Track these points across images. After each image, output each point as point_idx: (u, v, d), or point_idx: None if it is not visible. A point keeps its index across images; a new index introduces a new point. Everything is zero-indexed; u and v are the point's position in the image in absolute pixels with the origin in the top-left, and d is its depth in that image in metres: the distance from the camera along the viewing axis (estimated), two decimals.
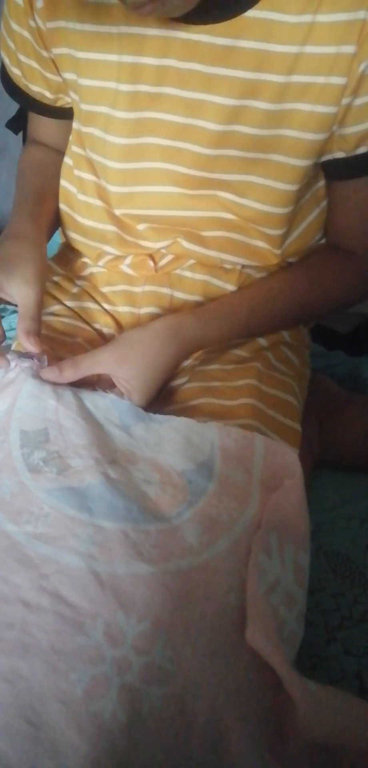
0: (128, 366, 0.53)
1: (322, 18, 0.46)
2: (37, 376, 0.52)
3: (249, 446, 0.49)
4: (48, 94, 0.59)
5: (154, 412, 0.54)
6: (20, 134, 0.91)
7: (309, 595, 0.53)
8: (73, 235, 0.64)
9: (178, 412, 0.55)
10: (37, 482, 0.43)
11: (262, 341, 0.63)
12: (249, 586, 0.41)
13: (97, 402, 0.53)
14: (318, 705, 0.39)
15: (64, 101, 0.60)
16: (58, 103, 0.61)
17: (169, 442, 0.49)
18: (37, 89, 0.59)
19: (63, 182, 0.63)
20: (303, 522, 0.46)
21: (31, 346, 0.52)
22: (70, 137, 0.61)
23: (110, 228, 0.60)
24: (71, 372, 0.53)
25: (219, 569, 0.42)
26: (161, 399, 0.61)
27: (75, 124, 0.59)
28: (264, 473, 0.48)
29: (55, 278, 0.68)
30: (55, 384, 0.53)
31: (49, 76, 0.57)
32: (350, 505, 0.63)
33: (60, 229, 0.68)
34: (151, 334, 0.54)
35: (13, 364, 0.53)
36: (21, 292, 0.53)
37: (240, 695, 0.39)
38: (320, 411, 0.70)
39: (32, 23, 0.54)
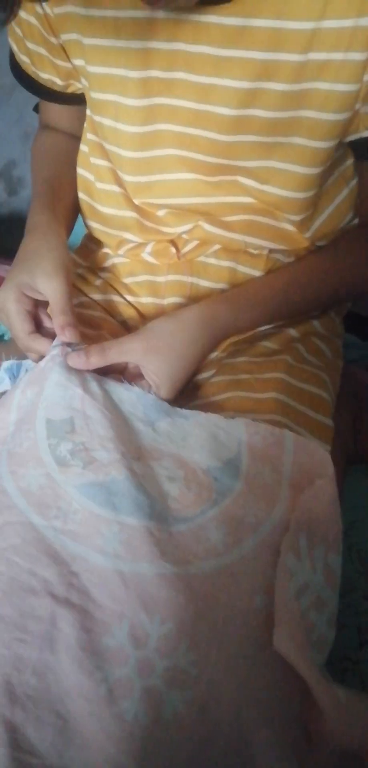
0: (156, 357, 0.52)
1: None
2: (64, 364, 0.52)
3: (278, 444, 0.48)
4: (58, 81, 0.59)
5: (180, 406, 0.53)
6: None
7: (341, 597, 0.52)
8: (93, 224, 0.64)
9: (205, 407, 0.54)
10: (66, 476, 0.43)
11: (293, 332, 0.61)
12: (277, 589, 0.40)
13: (122, 395, 0.52)
14: (347, 713, 0.37)
15: (75, 87, 0.60)
16: (69, 90, 0.60)
17: (195, 438, 0.48)
18: (46, 76, 0.59)
19: (80, 170, 0.62)
20: (334, 523, 0.44)
21: (68, 338, 0.52)
22: (85, 124, 0.60)
23: (129, 214, 0.59)
24: (98, 358, 0.52)
25: (245, 571, 0.41)
26: (188, 392, 0.59)
27: (88, 111, 0.59)
28: (294, 472, 0.47)
29: (79, 270, 0.68)
30: (81, 372, 0.52)
31: (59, 62, 0.57)
32: None
33: (82, 219, 0.67)
34: (180, 325, 0.53)
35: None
36: (45, 287, 0.53)
37: (266, 701, 0.38)
38: (354, 404, 0.68)
39: (40, 10, 0.53)
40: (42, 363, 0.52)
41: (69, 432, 0.46)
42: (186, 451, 0.47)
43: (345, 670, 0.49)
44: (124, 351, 0.53)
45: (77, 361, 0.52)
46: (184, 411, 0.51)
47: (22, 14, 0.55)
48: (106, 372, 0.54)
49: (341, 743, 0.38)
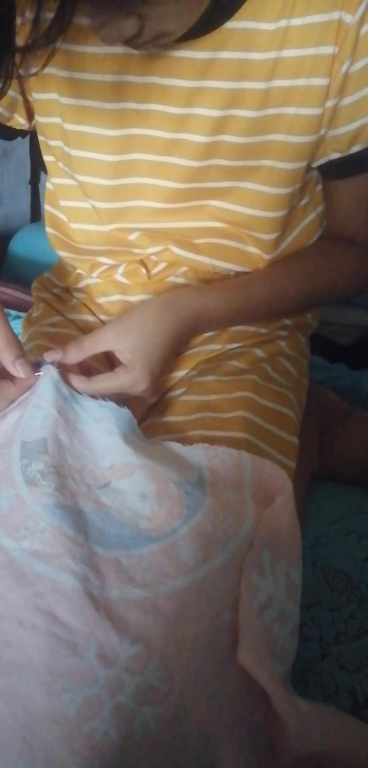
0: (128, 337, 0.53)
1: (296, 21, 0.47)
2: (40, 385, 0.51)
3: (237, 465, 0.49)
4: (4, 113, 0.58)
5: (153, 421, 0.54)
6: (27, 138, 0.91)
7: (306, 609, 0.54)
8: (64, 254, 0.65)
9: (175, 425, 0.56)
10: (34, 496, 0.43)
11: (260, 352, 0.63)
12: (241, 605, 0.41)
13: (96, 412, 0.52)
14: (309, 724, 0.39)
15: (17, 122, 0.59)
16: (10, 123, 0.59)
17: (159, 466, 0.49)
18: None
19: (48, 208, 0.63)
20: (294, 538, 0.46)
21: (21, 374, 0.49)
22: (50, 167, 0.60)
23: (102, 247, 0.60)
24: (75, 353, 0.53)
25: (214, 587, 0.42)
26: (159, 409, 0.61)
27: (49, 157, 0.58)
28: (255, 489, 0.48)
29: (56, 291, 0.69)
30: (57, 391, 0.51)
31: (11, 93, 0.56)
32: (348, 520, 0.62)
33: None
34: (148, 307, 0.54)
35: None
36: None
37: (232, 715, 0.39)
38: (320, 423, 0.70)
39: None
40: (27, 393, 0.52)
41: (41, 452, 0.46)
42: (157, 464, 0.48)
43: (308, 682, 0.50)
44: (98, 340, 0.53)
45: (55, 356, 0.52)
46: (145, 442, 0.52)
47: None
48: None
49: (302, 751, 0.39)
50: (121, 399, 0.53)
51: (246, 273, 0.60)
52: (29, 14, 0.35)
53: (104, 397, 0.53)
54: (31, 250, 1.10)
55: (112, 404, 0.53)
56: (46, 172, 0.64)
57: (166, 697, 0.37)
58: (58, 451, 0.47)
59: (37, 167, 1.17)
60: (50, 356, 0.52)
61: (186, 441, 0.54)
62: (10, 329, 0.48)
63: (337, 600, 0.56)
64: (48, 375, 0.50)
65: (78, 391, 0.52)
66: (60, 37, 0.36)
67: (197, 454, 0.50)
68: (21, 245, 1.12)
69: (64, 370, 0.52)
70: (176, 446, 0.51)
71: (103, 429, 0.51)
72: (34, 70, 0.50)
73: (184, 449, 0.51)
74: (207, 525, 0.45)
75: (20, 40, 0.36)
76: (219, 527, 0.45)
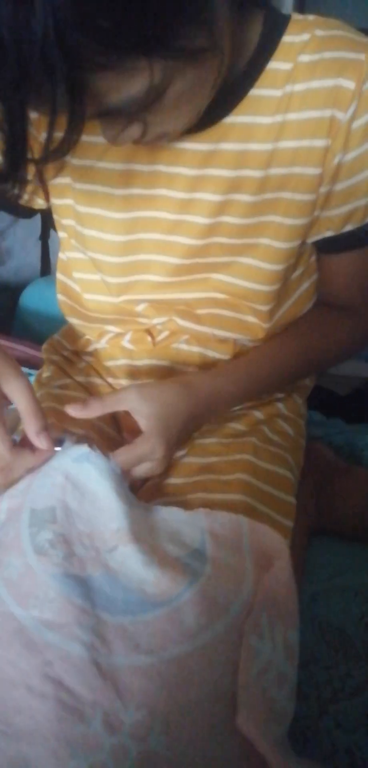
0: (150, 404, 0.55)
1: (292, 116, 0.52)
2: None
3: (236, 529, 0.52)
4: (24, 196, 0.59)
5: (158, 481, 0.56)
6: None
7: (303, 667, 0.55)
8: (75, 321, 0.69)
9: (177, 488, 0.58)
10: (43, 565, 0.45)
11: (259, 414, 0.66)
12: (240, 670, 0.43)
13: (103, 468, 0.52)
14: None
15: (36, 203, 0.63)
16: (29, 204, 0.63)
17: (161, 531, 0.51)
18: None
19: (61, 277, 0.67)
20: (292, 602, 0.48)
21: (43, 446, 0.50)
22: (64, 242, 0.64)
23: (112, 316, 0.64)
24: (97, 406, 0.55)
25: (216, 652, 0.44)
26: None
27: (62, 233, 0.62)
28: (254, 553, 0.50)
29: (65, 353, 0.73)
30: (64, 458, 0.52)
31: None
32: (345, 577, 0.64)
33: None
34: (166, 385, 0.58)
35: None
36: (12, 387, 0.48)
37: None
38: (317, 480, 0.73)
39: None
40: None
41: (50, 521, 0.48)
42: (156, 541, 0.50)
43: (306, 740, 0.52)
44: (121, 398, 0.56)
45: (78, 411, 0.55)
46: (147, 505, 0.54)
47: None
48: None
49: None
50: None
51: (249, 353, 0.64)
52: (43, 133, 0.40)
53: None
54: (41, 304, 1.13)
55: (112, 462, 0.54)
56: (55, 229, 0.68)
57: (168, 762, 0.39)
58: (66, 518, 0.48)
59: (48, 223, 1.22)
60: (73, 410, 0.54)
61: (187, 503, 0.56)
62: (36, 400, 0.49)
63: (334, 657, 0.57)
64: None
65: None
66: (70, 152, 0.41)
67: (198, 518, 0.53)
68: (31, 299, 1.15)
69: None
70: (177, 512, 0.53)
71: (112, 489, 0.51)
72: (48, 177, 0.55)
73: (185, 515, 0.53)
74: (209, 590, 0.47)
75: (34, 153, 0.41)
76: (220, 592, 0.47)
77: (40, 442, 0.50)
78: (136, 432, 0.57)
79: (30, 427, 0.49)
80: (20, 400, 0.48)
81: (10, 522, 0.49)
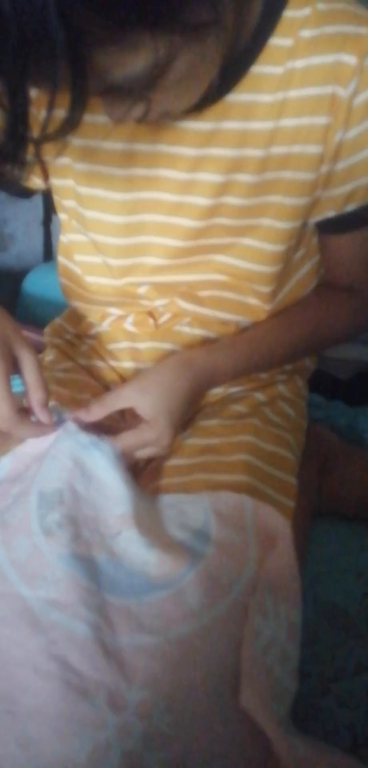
0: (148, 395, 0.56)
1: (293, 93, 0.51)
2: (56, 436, 0.53)
3: (240, 508, 0.52)
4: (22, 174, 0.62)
5: (162, 462, 0.56)
6: None
7: (306, 647, 0.55)
8: (76, 304, 0.68)
9: (180, 468, 0.58)
10: (50, 546, 0.46)
11: (260, 396, 0.66)
12: (244, 649, 0.43)
13: (111, 456, 0.53)
14: (305, 764, 0.41)
15: (33, 183, 0.62)
16: (27, 183, 0.61)
17: (165, 519, 0.51)
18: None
19: (62, 260, 0.67)
20: (295, 580, 0.48)
21: (43, 419, 0.52)
22: (65, 224, 0.63)
23: (113, 298, 0.64)
24: (98, 409, 0.56)
25: (219, 632, 0.44)
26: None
27: (64, 215, 0.62)
28: (258, 533, 0.51)
29: (67, 336, 0.72)
30: (74, 441, 0.53)
31: (28, 157, 0.60)
32: (347, 557, 0.64)
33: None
34: (165, 367, 0.58)
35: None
36: (23, 354, 0.51)
37: (236, 756, 0.41)
38: (319, 462, 0.73)
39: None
40: (50, 439, 0.54)
41: (58, 503, 0.48)
42: (160, 526, 0.50)
43: (308, 718, 0.52)
44: (120, 397, 0.57)
45: (81, 416, 0.55)
46: (150, 497, 0.55)
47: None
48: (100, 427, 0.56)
49: None
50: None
51: (250, 327, 0.63)
52: (43, 112, 0.39)
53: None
54: (44, 290, 1.13)
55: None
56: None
57: (172, 742, 0.39)
58: (73, 501, 0.49)
59: (50, 208, 1.22)
60: (76, 419, 0.55)
61: (190, 484, 0.56)
62: (42, 374, 0.52)
63: (336, 637, 0.58)
64: (65, 428, 0.53)
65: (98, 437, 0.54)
66: (72, 131, 0.40)
67: (202, 499, 0.53)
68: (34, 284, 1.15)
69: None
70: (180, 497, 0.54)
71: (120, 477, 0.52)
72: (47, 157, 0.54)
73: (188, 497, 0.53)
74: (213, 570, 0.47)
75: (35, 132, 0.40)
76: (224, 573, 0.47)
77: (42, 413, 0.51)
78: (139, 417, 0.57)
79: (34, 396, 0.51)
80: (28, 369, 0.51)
81: (18, 505, 0.50)
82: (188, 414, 0.61)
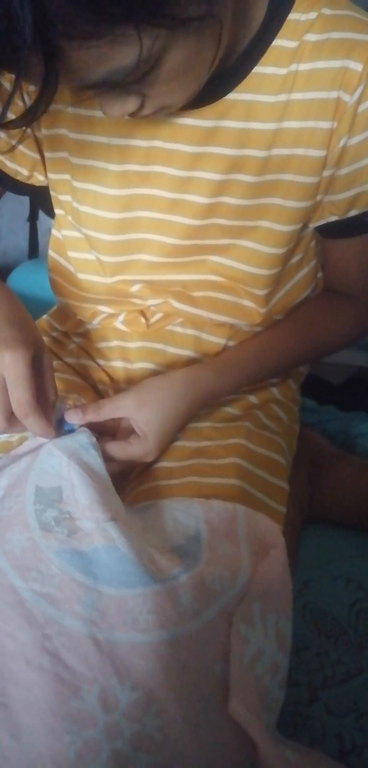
0: (147, 410, 0.55)
1: (297, 96, 0.51)
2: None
3: (232, 518, 0.51)
4: (24, 172, 0.60)
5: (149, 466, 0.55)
6: None
7: (294, 654, 0.55)
8: (67, 301, 0.67)
9: (170, 471, 0.58)
10: (48, 541, 0.45)
11: (253, 399, 0.65)
12: (232, 658, 0.43)
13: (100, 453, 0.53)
14: None
15: (37, 180, 0.61)
16: (30, 181, 0.61)
17: (157, 527, 0.51)
18: (13, 166, 0.59)
19: (53, 254, 0.66)
20: (286, 590, 0.48)
21: (36, 427, 0.49)
22: (60, 219, 0.62)
23: (104, 296, 0.63)
24: (93, 415, 0.55)
25: (208, 639, 0.43)
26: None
27: (67, 205, 0.60)
28: (250, 541, 0.50)
29: (54, 334, 0.71)
30: (69, 439, 0.53)
31: (29, 153, 0.58)
32: (336, 563, 0.64)
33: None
34: (168, 383, 0.57)
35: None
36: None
37: (224, 764, 0.41)
38: (310, 467, 0.73)
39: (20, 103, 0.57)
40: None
41: (57, 501, 0.48)
42: (152, 533, 0.50)
43: (296, 725, 0.51)
44: (118, 407, 0.56)
45: (74, 416, 0.55)
46: (143, 504, 0.54)
47: None
48: (100, 433, 0.56)
49: None
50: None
51: (256, 339, 0.63)
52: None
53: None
54: (29, 287, 1.11)
55: None
56: (44, 210, 0.66)
57: (162, 746, 0.39)
58: (72, 495, 0.48)
59: (36, 205, 1.20)
60: (70, 417, 0.55)
61: (180, 487, 0.56)
62: (54, 376, 0.52)
63: (325, 644, 0.57)
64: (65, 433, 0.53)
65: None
66: (33, 122, 0.39)
67: (193, 508, 0.52)
68: (19, 281, 1.14)
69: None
70: (173, 503, 0.53)
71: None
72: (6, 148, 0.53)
73: (181, 505, 0.53)
74: (205, 577, 0.46)
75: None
76: (216, 579, 0.47)
77: (48, 414, 0.51)
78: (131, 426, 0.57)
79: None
80: (44, 368, 0.51)
81: (11, 497, 0.49)
82: (180, 431, 0.60)
